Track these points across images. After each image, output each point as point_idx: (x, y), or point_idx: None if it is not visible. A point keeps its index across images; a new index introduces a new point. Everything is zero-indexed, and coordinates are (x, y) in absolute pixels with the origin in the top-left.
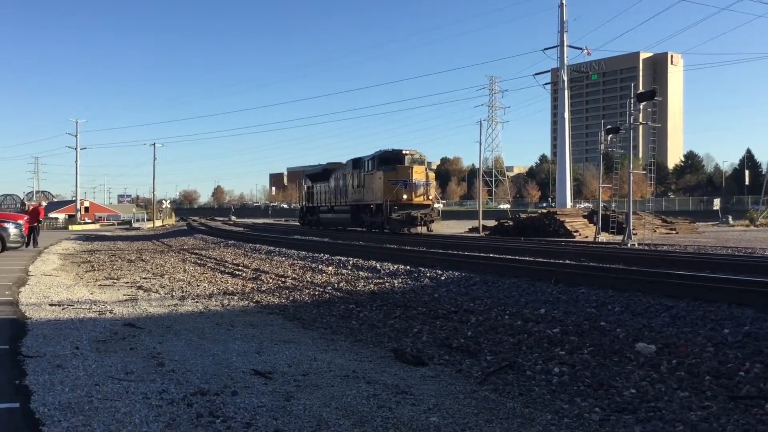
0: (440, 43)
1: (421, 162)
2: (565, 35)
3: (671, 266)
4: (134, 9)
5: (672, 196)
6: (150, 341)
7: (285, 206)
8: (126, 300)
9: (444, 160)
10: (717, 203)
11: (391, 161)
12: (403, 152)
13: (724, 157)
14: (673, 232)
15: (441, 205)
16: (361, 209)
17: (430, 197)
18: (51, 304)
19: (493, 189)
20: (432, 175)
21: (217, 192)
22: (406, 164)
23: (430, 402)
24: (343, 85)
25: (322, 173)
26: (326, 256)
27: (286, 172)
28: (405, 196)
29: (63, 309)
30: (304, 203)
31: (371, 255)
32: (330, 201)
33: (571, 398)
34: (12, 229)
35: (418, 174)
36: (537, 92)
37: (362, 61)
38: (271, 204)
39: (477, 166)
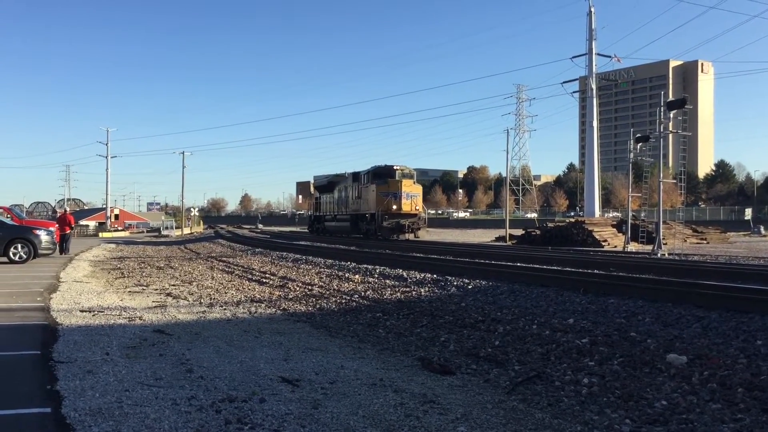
0: (468, 51)
1: (410, 176)
2: (593, 43)
3: (702, 276)
4: (163, 19)
5: (702, 206)
6: (179, 348)
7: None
8: (155, 307)
9: (471, 169)
10: (749, 213)
11: (383, 176)
12: (394, 168)
13: (756, 166)
14: (704, 242)
15: (427, 214)
16: (359, 218)
17: (418, 208)
18: (82, 311)
19: (521, 198)
20: (420, 188)
21: (245, 200)
22: (397, 178)
23: (457, 411)
24: (370, 93)
25: (327, 185)
26: (353, 264)
27: (312, 181)
28: (395, 207)
29: (93, 315)
30: (312, 212)
31: (398, 263)
32: (334, 210)
33: (601, 409)
34: (43, 236)
35: (407, 187)
36: (565, 100)
37: (390, 69)
38: (298, 212)
39: (504, 174)
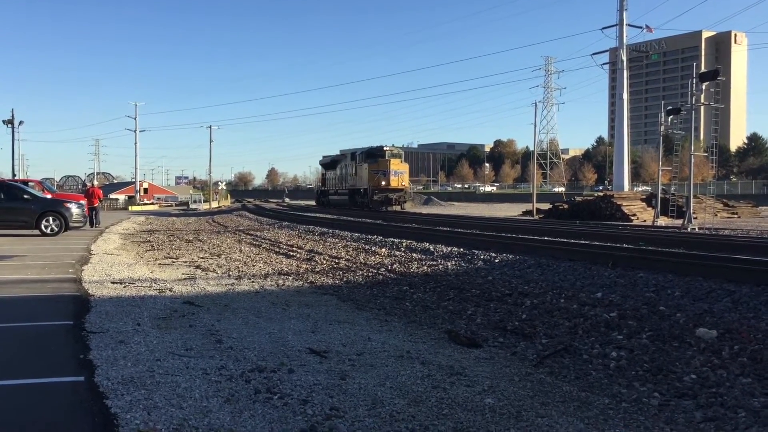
0: (496, 23)
1: (398, 156)
2: (624, 13)
3: (733, 251)
4: None
5: (734, 180)
6: (208, 319)
7: None
8: (185, 279)
9: (498, 143)
10: None
11: (374, 155)
12: (384, 148)
13: None
14: (735, 216)
15: (414, 189)
16: (355, 192)
17: (404, 183)
18: (113, 282)
19: (548, 172)
20: (406, 165)
21: (272, 174)
22: (386, 158)
23: (484, 383)
24: (396, 67)
25: (330, 163)
26: (379, 237)
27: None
28: (384, 183)
29: (124, 287)
30: (319, 187)
31: (424, 237)
32: (336, 186)
33: (629, 383)
34: (74, 209)
35: (395, 165)
36: (594, 73)
37: (416, 42)
38: None
39: (531, 148)
